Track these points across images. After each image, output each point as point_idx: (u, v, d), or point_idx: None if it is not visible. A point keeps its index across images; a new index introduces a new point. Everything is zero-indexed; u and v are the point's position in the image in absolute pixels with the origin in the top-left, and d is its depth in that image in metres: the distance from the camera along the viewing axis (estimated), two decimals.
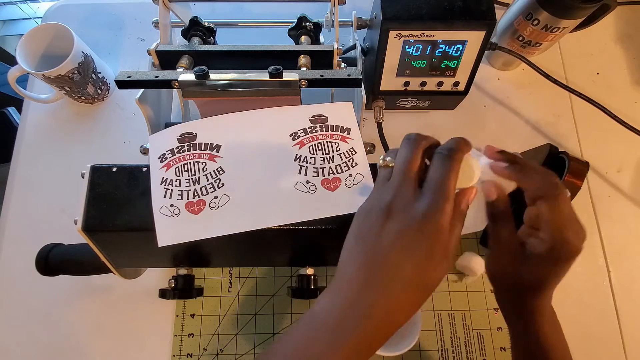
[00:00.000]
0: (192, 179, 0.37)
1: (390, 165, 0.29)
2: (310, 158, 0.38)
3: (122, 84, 0.39)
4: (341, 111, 0.40)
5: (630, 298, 0.51)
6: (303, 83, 0.39)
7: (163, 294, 0.45)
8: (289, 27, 0.50)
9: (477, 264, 0.49)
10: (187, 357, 0.49)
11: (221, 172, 0.37)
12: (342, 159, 0.38)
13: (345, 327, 0.24)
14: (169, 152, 0.38)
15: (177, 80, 0.39)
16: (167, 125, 0.45)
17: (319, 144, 0.38)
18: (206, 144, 0.38)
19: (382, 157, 0.30)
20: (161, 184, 0.36)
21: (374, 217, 0.26)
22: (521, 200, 0.31)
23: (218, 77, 0.39)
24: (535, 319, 0.31)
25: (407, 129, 0.58)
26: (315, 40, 0.50)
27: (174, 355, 0.49)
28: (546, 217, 0.28)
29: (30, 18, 1.29)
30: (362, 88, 0.42)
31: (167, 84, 0.39)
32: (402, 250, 0.25)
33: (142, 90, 0.42)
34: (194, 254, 0.42)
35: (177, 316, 0.50)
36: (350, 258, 0.27)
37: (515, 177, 0.29)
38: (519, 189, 0.30)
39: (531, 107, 0.59)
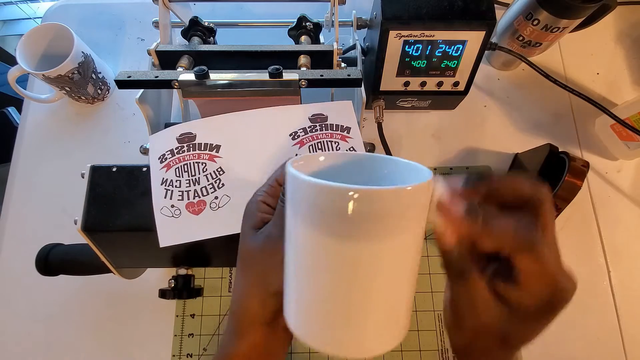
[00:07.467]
0: (192, 179, 0.37)
1: None
2: None
3: (122, 84, 0.39)
4: (341, 110, 0.40)
5: (630, 298, 0.51)
6: (303, 83, 0.39)
7: (163, 294, 0.45)
8: (289, 27, 0.50)
9: None
10: (187, 357, 0.49)
11: (221, 172, 0.37)
12: None
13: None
14: (169, 152, 0.38)
15: (177, 80, 0.38)
16: (167, 125, 0.45)
17: (319, 144, 0.38)
18: (206, 144, 0.38)
19: None
20: (161, 184, 0.36)
21: None
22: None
23: (218, 77, 0.39)
24: None
25: (407, 129, 0.58)
26: (315, 40, 0.50)
27: (174, 355, 0.49)
28: (531, 271, 0.21)
29: (30, 18, 1.29)
30: (362, 88, 0.41)
31: (167, 84, 0.39)
32: None
33: (142, 90, 0.42)
34: (194, 254, 0.42)
35: (177, 316, 0.50)
36: None
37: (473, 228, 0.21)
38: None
39: (531, 107, 0.59)
